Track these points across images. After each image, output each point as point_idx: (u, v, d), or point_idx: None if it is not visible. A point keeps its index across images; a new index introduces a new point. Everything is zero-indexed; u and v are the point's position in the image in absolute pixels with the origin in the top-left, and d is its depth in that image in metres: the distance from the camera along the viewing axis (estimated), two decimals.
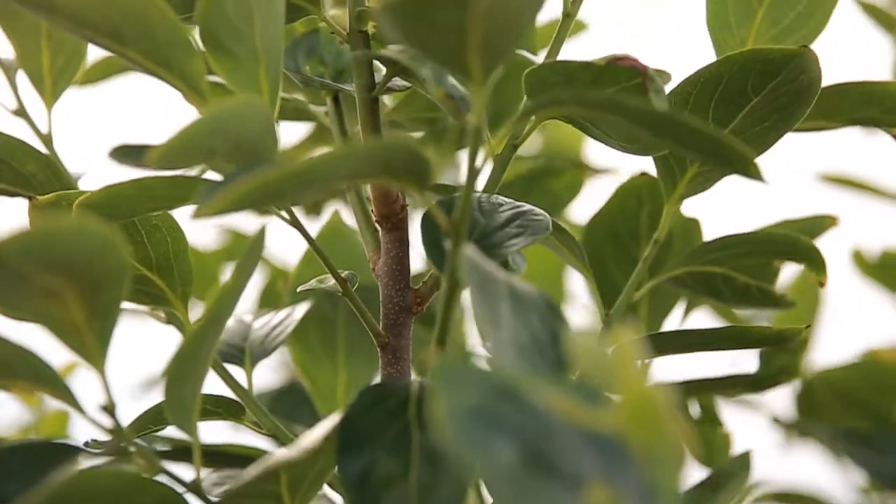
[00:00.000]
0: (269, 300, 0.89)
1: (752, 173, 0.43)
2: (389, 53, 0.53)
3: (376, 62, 0.58)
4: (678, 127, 0.43)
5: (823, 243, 0.65)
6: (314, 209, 0.88)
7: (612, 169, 0.83)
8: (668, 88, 0.55)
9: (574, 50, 0.59)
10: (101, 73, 0.77)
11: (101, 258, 0.41)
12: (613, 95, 0.42)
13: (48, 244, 0.40)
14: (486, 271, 0.41)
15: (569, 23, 0.59)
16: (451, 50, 0.40)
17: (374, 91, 0.57)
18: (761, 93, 0.55)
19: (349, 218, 0.77)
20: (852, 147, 1.02)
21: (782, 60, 0.54)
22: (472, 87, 0.42)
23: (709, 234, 0.70)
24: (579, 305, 0.99)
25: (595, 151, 0.99)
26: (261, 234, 0.45)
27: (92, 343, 0.44)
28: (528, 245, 0.50)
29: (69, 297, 0.42)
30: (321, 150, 0.86)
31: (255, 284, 0.93)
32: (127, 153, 0.45)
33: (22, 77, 0.64)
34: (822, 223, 0.71)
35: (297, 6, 0.56)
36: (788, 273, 0.85)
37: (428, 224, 0.49)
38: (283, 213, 0.54)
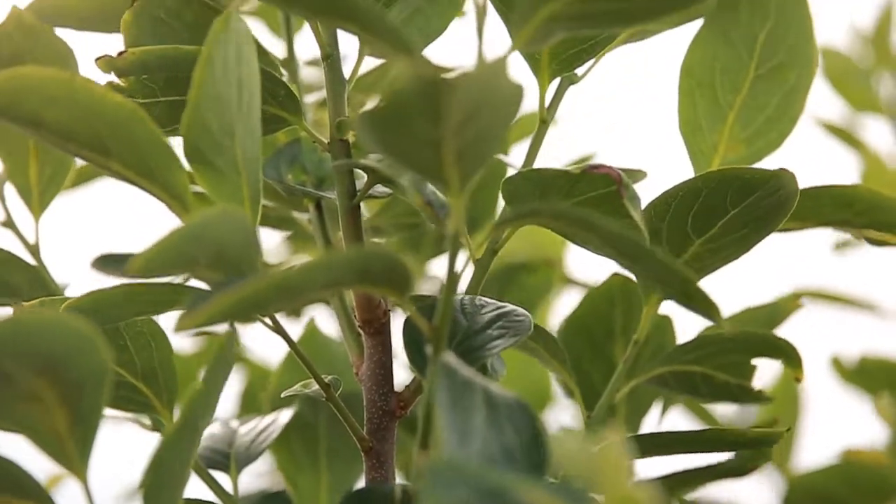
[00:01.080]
0: (249, 402, 0.90)
1: (714, 317, 0.44)
2: (370, 162, 0.54)
3: (357, 169, 0.59)
4: (645, 255, 0.44)
5: (801, 341, 0.66)
6: (294, 312, 0.89)
7: (585, 283, 0.85)
8: (643, 190, 0.57)
9: (550, 142, 0.61)
10: (86, 177, 0.78)
11: (82, 354, 0.41)
12: (587, 214, 0.43)
13: (28, 336, 0.40)
14: (462, 381, 0.42)
15: (544, 129, 0.60)
16: (428, 161, 0.41)
17: (355, 199, 0.58)
18: (739, 206, 0.56)
19: (332, 321, 0.78)
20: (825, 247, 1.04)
21: (760, 180, 0.55)
22: (450, 196, 0.44)
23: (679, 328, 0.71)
24: (565, 405, 1.00)
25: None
26: (230, 338, 0.45)
27: (73, 451, 0.44)
28: (510, 346, 0.51)
29: (51, 400, 0.42)
30: (302, 255, 0.87)
31: (236, 385, 0.94)
32: (109, 262, 0.46)
33: (9, 188, 0.65)
34: (786, 307, 0.73)
35: (279, 117, 0.57)
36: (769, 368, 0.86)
37: (410, 329, 0.50)
38: (266, 319, 0.54)
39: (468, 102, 0.37)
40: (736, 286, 0.71)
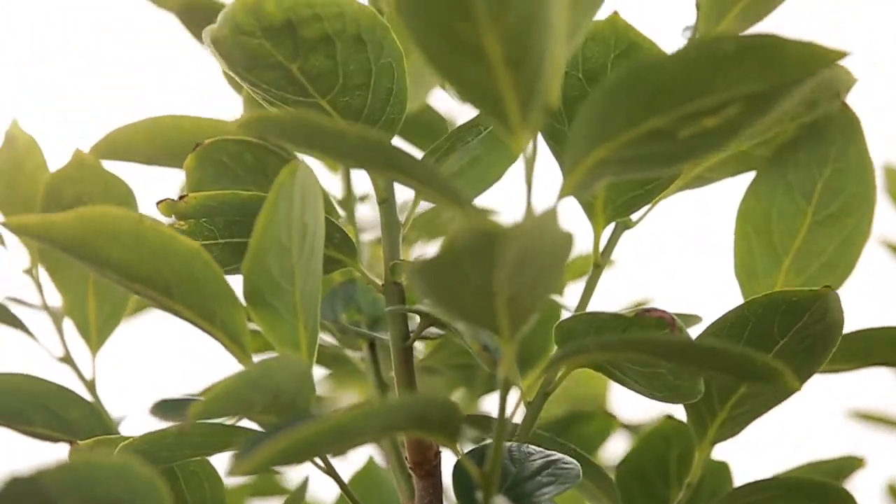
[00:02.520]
0: None
1: (786, 381, 0.43)
2: (423, 307, 0.55)
3: None
4: (701, 352, 0.44)
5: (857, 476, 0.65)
6: (341, 451, 0.89)
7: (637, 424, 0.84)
8: (695, 332, 0.57)
9: (605, 284, 0.61)
10: (140, 307, 0.79)
11: (145, 499, 0.41)
12: (635, 334, 0.43)
13: (90, 480, 0.40)
14: None
15: (598, 272, 0.61)
16: (481, 310, 0.41)
17: (408, 340, 0.58)
18: (787, 334, 0.56)
19: (382, 461, 0.77)
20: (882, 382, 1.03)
21: (807, 302, 0.55)
22: (502, 342, 0.44)
23: (737, 476, 0.71)
24: None
25: (621, 400, 1.00)
26: (303, 486, 0.45)
27: None
28: (560, 493, 0.51)
29: None
30: (349, 391, 0.88)
31: None
32: (168, 408, 0.47)
33: (68, 324, 0.66)
34: (850, 464, 0.72)
35: (335, 259, 0.58)
36: None
37: (460, 474, 0.50)
38: (317, 460, 0.55)
39: (520, 253, 0.38)
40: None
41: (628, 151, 0.42)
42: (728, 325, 0.57)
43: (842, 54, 0.37)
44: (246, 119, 0.39)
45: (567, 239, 0.40)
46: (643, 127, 0.40)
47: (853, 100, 0.60)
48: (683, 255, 1.34)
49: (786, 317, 0.55)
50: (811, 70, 0.38)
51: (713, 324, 0.57)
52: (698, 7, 0.64)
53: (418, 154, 0.83)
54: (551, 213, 0.39)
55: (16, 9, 1.40)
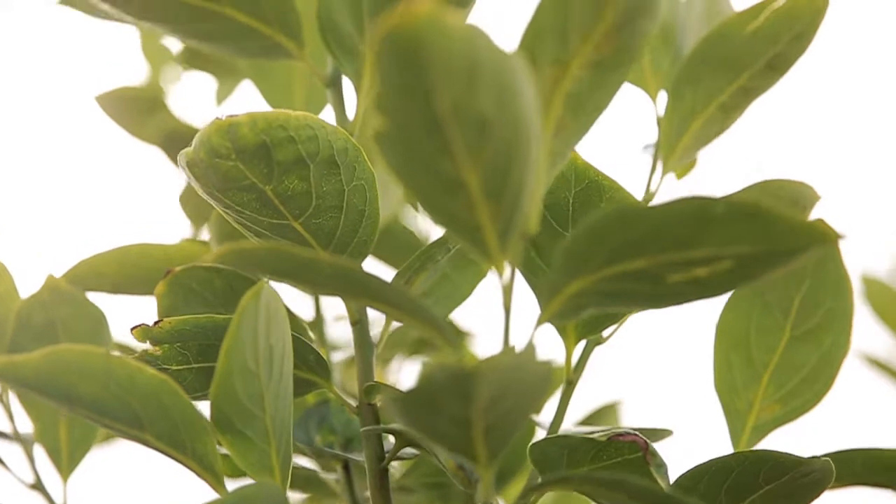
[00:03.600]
0: None
1: None
2: (398, 427, 0.54)
3: None
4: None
5: None
6: None
7: None
8: (676, 450, 0.57)
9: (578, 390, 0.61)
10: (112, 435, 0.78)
11: None
12: (620, 476, 0.43)
13: None
14: None
15: (571, 389, 0.61)
16: (458, 439, 0.41)
17: (383, 461, 0.58)
18: (772, 483, 0.55)
19: None
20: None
21: (793, 464, 0.55)
22: (479, 469, 0.44)
23: None
24: None
25: None
26: None
27: None
28: None
29: None
30: None
31: None
32: None
33: (39, 450, 0.65)
34: None
35: (309, 381, 0.57)
36: None
37: None
38: None
39: (497, 387, 0.38)
40: None
41: (609, 286, 0.42)
42: (711, 470, 0.56)
43: (838, 236, 0.38)
44: (220, 252, 0.39)
45: (546, 371, 0.40)
46: (626, 266, 0.40)
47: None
48: (653, 362, 1.34)
49: (772, 470, 0.55)
50: (806, 246, 0.38)
51: (695, 469, 0.56)
52: (659, 124, 0.65)
53: (386, 269, 0.83)
54: (529, 349, 0.39)
55: None
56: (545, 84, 0.42)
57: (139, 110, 0.94)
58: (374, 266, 0.84)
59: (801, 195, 0.60)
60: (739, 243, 0.39)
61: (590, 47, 0.41)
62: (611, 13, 0.40)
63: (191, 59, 0.96)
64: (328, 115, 0.65)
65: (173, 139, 0.84)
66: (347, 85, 0.63)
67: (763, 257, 0.39)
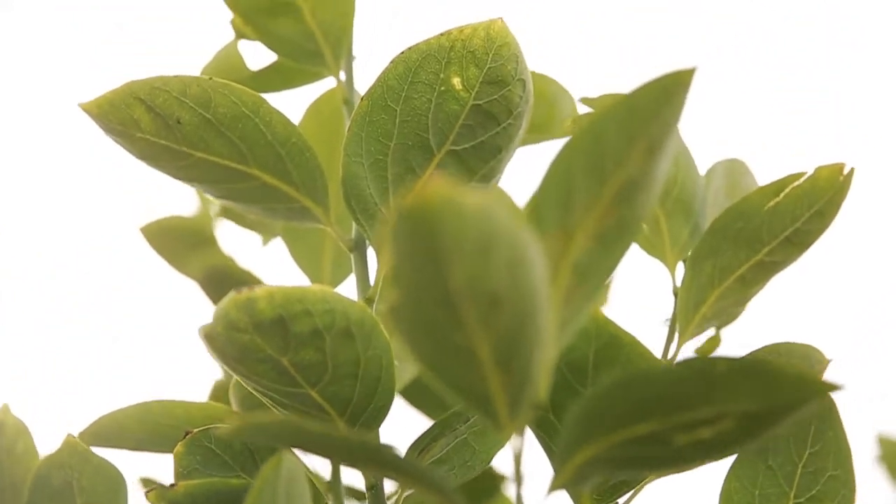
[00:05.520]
0: None
1: None
2: None
3: None
4: None
5: None
6: None
7: None
8: None
9: None
10: None
11: None
12: None
13: None
14: None
15: None
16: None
17: None
18: None
19: None
20: None
21: None
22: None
23: None
24: None
25: None
26: None
27: None
28: None
29: None
30: None
31: None
32: None
33: None
34: None
35: None
36: None
37: None
38: None
39: None
40: None
41: (620, 452, 0.42)
42: None
43: (835, 387, 0.38)
44: (235, 427, 0.39)
45: None
46: (636, 430, 0.41)
47: None
48: None
49: None
50: (805, 398, 0.38)
51: None
52: (675, 294, 0.66)
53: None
54: None
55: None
56: (553, 253, 0.42)
57: (185, 244, 0.93)
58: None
59: (809, 358, 0.61)
60: (742, 400, 0.39)
61: (593, 219, 0.42)
62: (611, 187, 0.41)
63: (227, 213, 0.97)
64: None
65: (215, 276, 0.84)
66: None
67: (765, 413, 0.40)
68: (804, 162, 0.62)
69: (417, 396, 0.87)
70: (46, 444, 0.62)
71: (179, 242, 0.92)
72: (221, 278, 0.91)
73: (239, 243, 0.98)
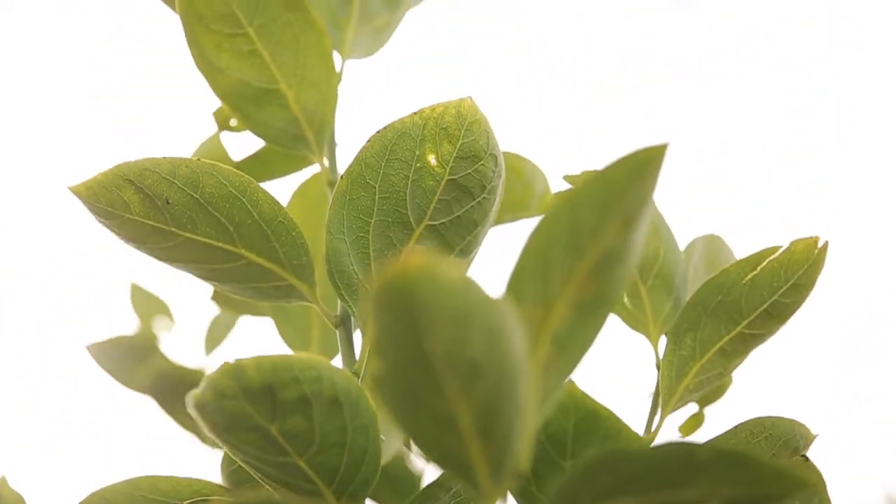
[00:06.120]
0: None
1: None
2: None
3: None
4: None
5: None
6: None
7: None
8: None
9: None
10: None
11: None
12: None
13: None
14: None
15: None
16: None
17: None
18: None
19: None
20: None
21: None
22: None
23: None
24: None
25: None
26: None
27: None
28: None
29: None
30: None
31: None
32: None
33: None
34: None
35: None
36: None
37: None
38: None
39: None
40: None
41: None
42: None
43: (819, 482, 0.39)
44: None
45: None
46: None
47: None
48: None
49: None
50: (789, 492, 0.39)
51: None
52: (658, 368, 0.67)
53: None
54: None
55: None
56: (532, 324, 0.44)
57: (132, 359, 0.94)
58: None
59: (795, 433, 0.62)
60: (727, 486, 0.40)
61: (571, 290, 0.43)
62: (588, 260, 0.43)
63: (217, 298, 0.98)
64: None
65: (164, 382, 0.85)
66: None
67: (750, 500, 0.41)
68: (804, 162, 0.63)
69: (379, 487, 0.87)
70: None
71: (126, 359, 0.94)
72: (174, 384, 0.92)
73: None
